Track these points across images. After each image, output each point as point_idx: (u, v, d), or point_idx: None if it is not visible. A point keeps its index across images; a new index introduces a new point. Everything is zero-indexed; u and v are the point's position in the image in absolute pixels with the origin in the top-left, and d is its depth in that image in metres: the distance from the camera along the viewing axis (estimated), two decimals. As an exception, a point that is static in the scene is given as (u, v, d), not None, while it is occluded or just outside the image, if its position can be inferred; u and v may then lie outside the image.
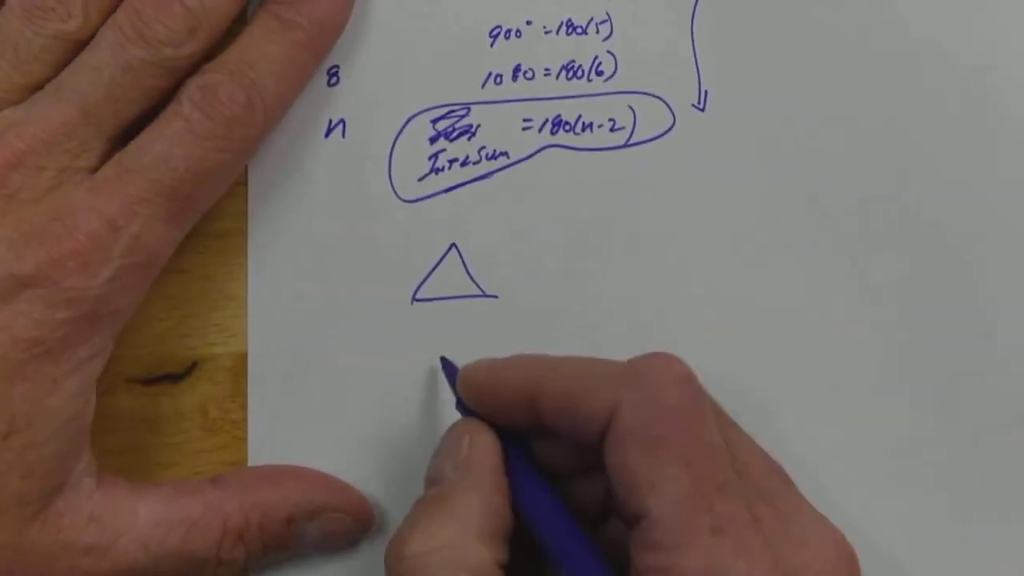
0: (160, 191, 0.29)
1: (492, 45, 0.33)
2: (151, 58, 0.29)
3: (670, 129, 0.34)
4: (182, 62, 0.30)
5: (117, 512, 0.30)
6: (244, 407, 0.33)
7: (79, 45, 0.30)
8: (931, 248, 0.35)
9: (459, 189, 0.34)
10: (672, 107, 0.34)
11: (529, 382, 0.28)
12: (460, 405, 0.31)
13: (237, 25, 0.31)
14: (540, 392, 0.28)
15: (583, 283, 0.34)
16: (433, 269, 0.33)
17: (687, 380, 0.27)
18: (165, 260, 0.30)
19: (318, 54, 0.32)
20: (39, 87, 0.30)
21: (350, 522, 0.33)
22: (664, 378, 0.27)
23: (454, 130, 0.33)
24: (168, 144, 0.29)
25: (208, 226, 0.32)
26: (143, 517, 0.30)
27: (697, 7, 0.34)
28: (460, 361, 0.32)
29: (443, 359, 0.32)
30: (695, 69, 0.34)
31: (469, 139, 0.34)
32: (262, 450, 0.33)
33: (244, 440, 0.33)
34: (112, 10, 0.30)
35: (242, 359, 0.33)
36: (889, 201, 0.34)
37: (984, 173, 0.35)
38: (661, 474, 0.26)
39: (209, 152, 0.29)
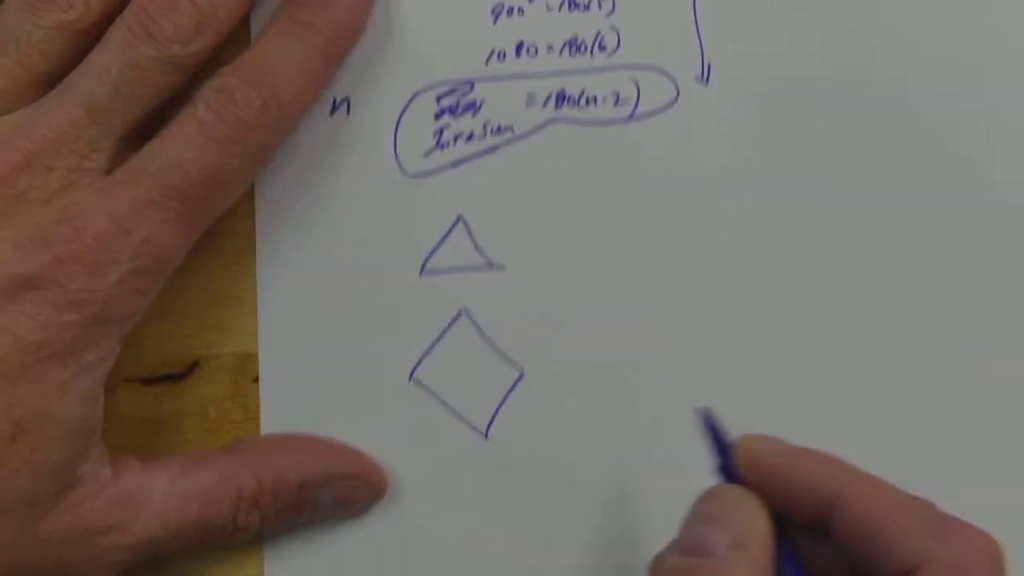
0: (172, 194, 0.29)
1: (495, 22, 0.34)
2: (159, 55, 0.29)
3: (674, 102, 0.34)
4: (190, 59, 0.30)
5: (133, 491, 0.30)
6: (244, 407, 0.33)
7: (81, 35, 0.30)
8: (937, 242, 0.34)
9: (465, 164, 0.34)
10: (676, 80, 0.34)
11: (829, 486, 0.26)
12: (725, 471, 0.28)
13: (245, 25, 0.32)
14: (840, 503, 0.26)
15: (588, 255, 0.34)
16: (441, 241, 0.34)
17: (1000, 567, 0.25)
18: (176, 264, 0.30)
19: (335, 59, 0.32)
20: (43, 81, 0.30)
21: (364, 488, 0.33)
22: (980, 564, 0.25)
23: (458, 106, 0.34)
24: (181, 147, 0.29)
25: (211, 226, 0.32)
26: (158, 492, 0.30)
27: (698, -20, 0.34)
28: (470, 335, 0.32)
29: (705, 414, 0.29)
30: (698, 42, 0.34)
31: (473, 115, 0.34)
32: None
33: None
34: (114, 1, 0.30)
35: (242, 359, 0.33)
36: (891, 178, 0.34)
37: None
38: None
39: (223, 156, 0.29)
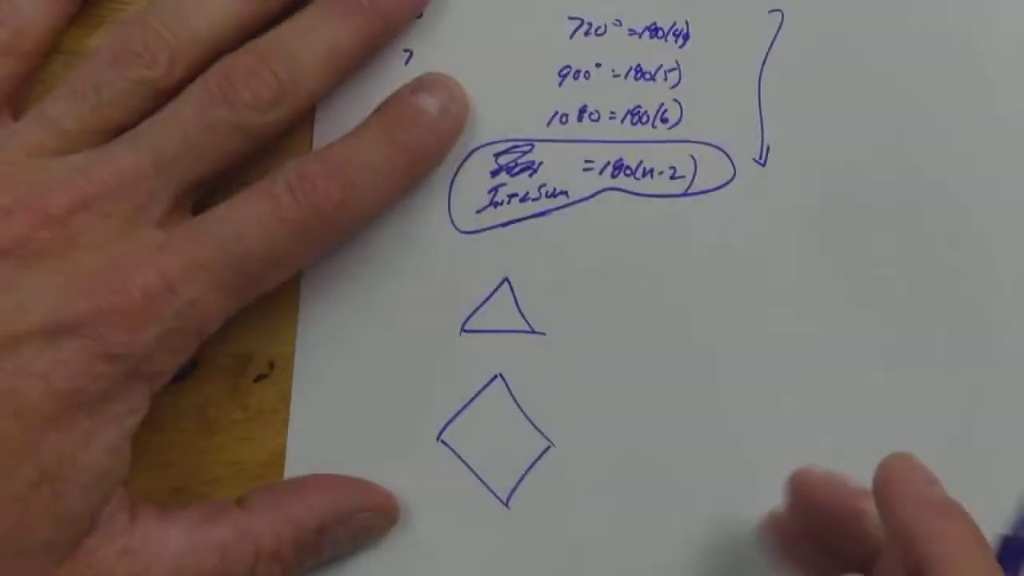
0: (227, 263, 0.28)
1: (560, 84, 0.34)
2: (233, 120, 0.29)
3: (730, 181, 0.34)
4: (263, 129, 0.30)
5: (148, 541, 0.29)
6: (244, 407, 0.33)
7: (160, 94, 0.30)
8: (999, 325, 0.34)
9: (516, 224, 0.33)
10: (733, 159, 0.34)
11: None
12: None
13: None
14: None
15: (630, 330, 0.33)
16: (484, 301, 0.33)
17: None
18: (214, 330, 0.29)
19: (415, 178, 0.32)
20: (114, 132, 0.30)
21: (379, 519, 0.32)
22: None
23: (516, 165, 0.33)
24: (248, 220, 0.29)
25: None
26: (174, 544, 0.30)
27: (766, 63, 0.34)
28: (504, 400, 0.32)
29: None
30: (759, 123, 0.34)
31: (531, 175, 0.33)
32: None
33: (244, 440, 0.33)
34: (198, 63, 0.30)
35: (242, 359, 0.33)
36: (949, 264, 0.34)
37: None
38: None
39: (287, 240, 0.29)
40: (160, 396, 0.31)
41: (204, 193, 0.31)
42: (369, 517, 0.32)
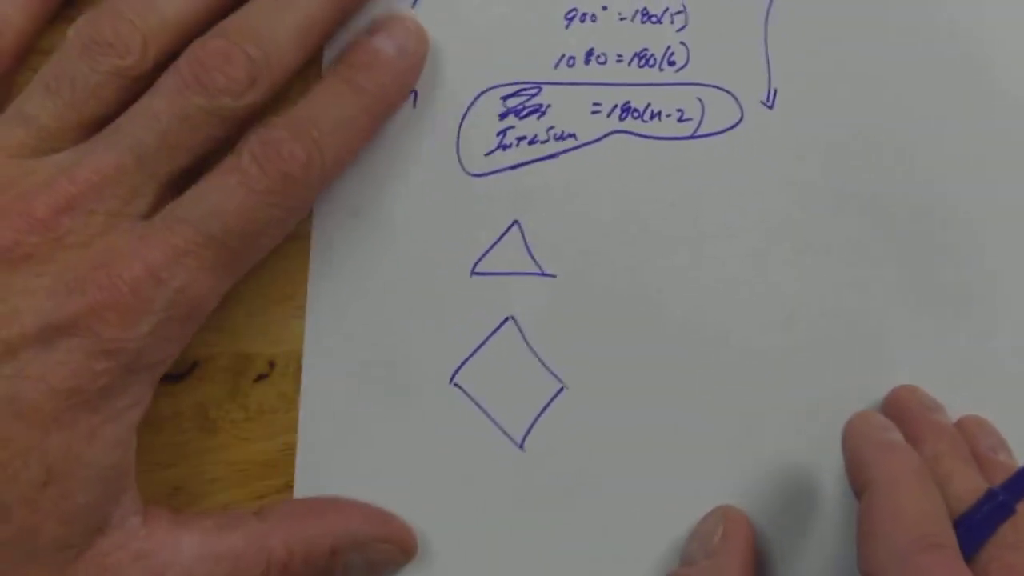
0: (209, 244, 0.28)
1: (567, 27, 0.34)
2: (209, 107, 0.29)
3: (737, 123, 0.34)
4: (239, 112, 0.29)
5: (162, 547, 0.30)
6: (244, 407, 0.33)
7: (135, 82, 0.30)
8: (999, 252, 0.34)
9: (525, 167, 0.33)
10: (741, 102, 0.34)
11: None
12: None
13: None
14: None
15: (640, 270, 0.33)
16: (494, 244, 0.33)
17: (923, 478, 0.28)
18: (208, 311, 0.30)
19: (378, 121, 0.32)
20: (93, 124, 0.30)
21: (395, 551, 0.32)
22: (905, 474, 0.28)
23: (524, 108, 0.33)
24: (222, 197, 0.29)
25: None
26: (187, 551, 0.30)
27: (772, 5, 0.34)
28: (515, 342, 0.32)
29: None
30: (766, 66, 0.34)
31: (538, 118, 0.33)
32: (313, 432, 0.33)
33: (244, 440, 0.33)
34: (169, 48, 0.30)
35: (242, 359, 0.33)
36: (951, 200, 0.34)
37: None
38: None
39: (263, 209, 0.29)
40: (160, 396, 0.31)
41: (186, 181, 0.30)
42: (385, 549, 0.32)
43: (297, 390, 0.33)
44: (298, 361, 0.33)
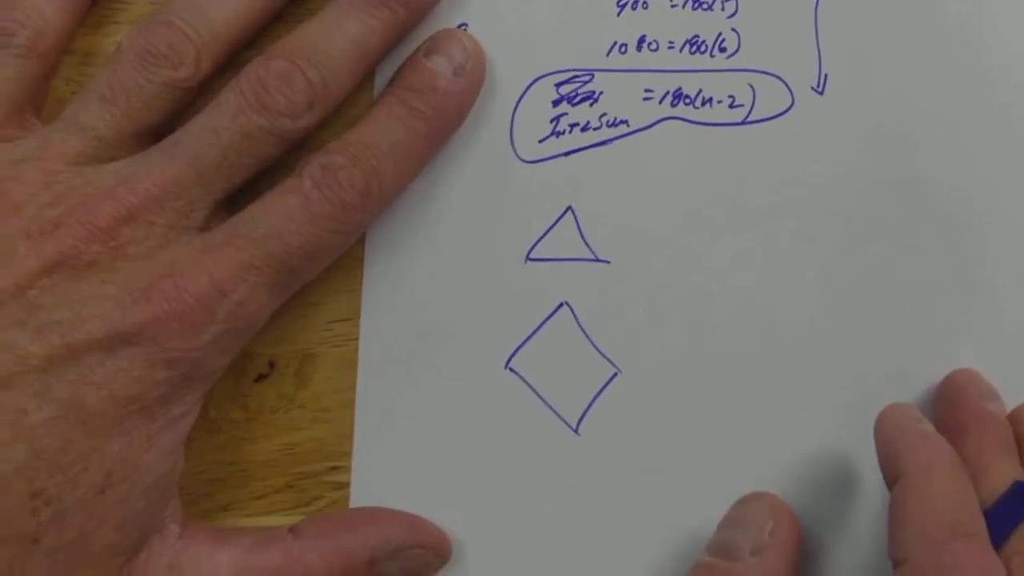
0: (270, 262, 0.29)
1: (619, 14, 0.34)
2: (269, 127, 0.30)
3: (788, 109, 0.34)
4: (296, 134, 0.30)
5: (197, 561, 0.30)
6: (244, 407, 0.33)
7: (189, 93, 0.30)
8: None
9: (578, 153, 0.34)
10: (791, 88, 0.34)
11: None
12: None
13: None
14: None
15: (692, 254, 0.34)
16: (548, 230, 0.33)
17: (957, 470, 0.28)
18: (259, 327, 0.30)
19: (437, 145, 0.32)
20: (147, 135, 0.30)
21: (430, 556, 0.32)
22: (940, 464, 0.28)
23: (577, 95, 0.34)
24: (284, 218, 0.29)
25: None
26: (223, 567, 0.30)
27: (822, -10, 0.34)
28: (570, 327, 0.33)
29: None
30: (816, 52, 0.34)
31: (591, 105, 0.34)
32: (369, 421, 0.33)
33: (244, 440, 0.33)
34: (220, 59, 0.31)
35: (242, 359, 0.33)
36: (1001, 195, 0.34)
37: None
38: None
39: (322, 232, 0.30)
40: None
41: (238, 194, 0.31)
42: (421, 554, 0.32)
43: (297, 390, 0.33)
44: (298, 361, 0.33)
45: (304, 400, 0.33)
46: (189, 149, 0.29)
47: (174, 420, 0.29)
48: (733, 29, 0.34)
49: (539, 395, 0.33)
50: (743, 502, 0.32)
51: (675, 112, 0.34)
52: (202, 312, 0.28)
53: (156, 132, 0.31)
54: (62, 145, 0.30)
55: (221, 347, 0.29)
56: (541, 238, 0.33)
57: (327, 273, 0.32)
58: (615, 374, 0.33)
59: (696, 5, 0.34)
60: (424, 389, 0.33)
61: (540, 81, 0.34)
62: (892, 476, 0.29)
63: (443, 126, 0.32)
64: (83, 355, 0.28)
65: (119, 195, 0.29)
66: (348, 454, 0.33)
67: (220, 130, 0.29)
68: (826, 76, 0.34)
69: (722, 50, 0.34)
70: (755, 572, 0.30)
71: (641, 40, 0.34)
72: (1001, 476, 0.29)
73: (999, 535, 0.28)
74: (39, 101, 0.32)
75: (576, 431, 0.33)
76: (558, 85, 0.34)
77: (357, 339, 0.33)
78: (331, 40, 0.30)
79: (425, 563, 0.32)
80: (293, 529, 0.32)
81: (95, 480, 0.28)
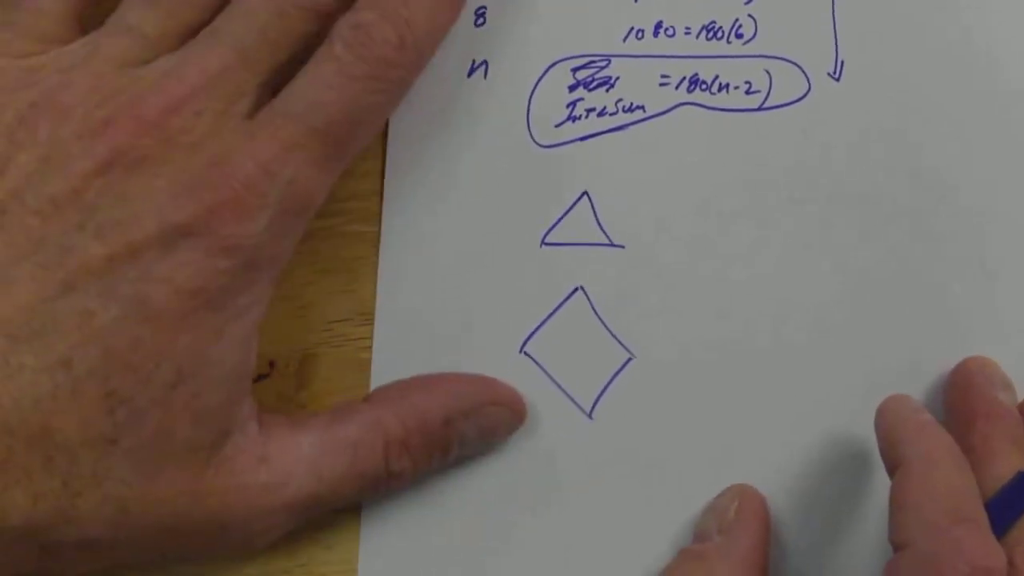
0: (314, 136, 0.29)
1: (636, 0, 0.34)
2: (303, 3, 0.30)
3: (805, 95, 0.34)
4: (331, 6, 0.30)
5: (283, 448, 0.30)
6: None
7: None
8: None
9: (595, 139, 0.34)
10: (808, 74, 0.34)
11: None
12: None
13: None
14: None
15: (708, 241, 0.34)
16: (564, 215, 0.33)
17: (959, 459, 0.28)
18: (318, 204, 0.30)
19: None
20: (191, 33, 0.30)
21: (506, 413, 0.32)
22: (943, 455, 0.28)
23: (593, 80, 0.34)
24: (321, 87, 0.29)
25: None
26: (307, 448, 0.30)
27: (840, -24, 0.34)
28: (584, 312, 0.33)
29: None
30: (833, 38, 0.34)
31: (607, 90, 0.34)
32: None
33: None
34: None
35: None
36: (1018, 191, 0.34)
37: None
38: None
39: (362, 94, 0.29)
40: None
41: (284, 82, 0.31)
42: (496, 412, 0.32)
43: (297, 390, 0.33)
44: (298, 361, 0.33)
45: (304, 400, 0.34)
46: (229, 34, 0.29)
47: (241, 311, 0.29)
48: (750, 15, 0.34)
49: (553, 379, 0.34)
50: (719, 494, 0.33)
51: (691, 98, 0.34)
52: (251, 196, 0.28)
53: (199, 30, 0.30)
54: (109, 48, 0.30)
55: (279, 230, 0.29)
56: (557, 223, 0.34)
57: (327, 273, 0.32)
58: (629, 359, 0.34)
59: (713, -9, 0.34)
60: (438, 370, 0.33)
61: (557, 66, 0.34)
62: (892, 465, 0.29)
63: None
64: (143, 252, 0.28)
65: (165, 87, 0.29)
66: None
67: (256, 11, 0.29)
68: (842, 62, 0.34)
69: (739, 36, 0.34)
70: (721, 549, 0.31)
71: (658, 26, 0.34)
72: (1006, 466, 0.29)
73: (1002, 524, 0.28)
74: (86, 16, 0.32)
75: (590, 416, 0.33)
76: (575, 70, 0.34)
77: (357, 339, 0.34)
78: None
79: (500, 421, 0.32)
80: (368, 398, 0.32)
81: (167, 377, 0.28)
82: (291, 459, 0.30)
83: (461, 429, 0.32)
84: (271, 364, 0.33)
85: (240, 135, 0.29)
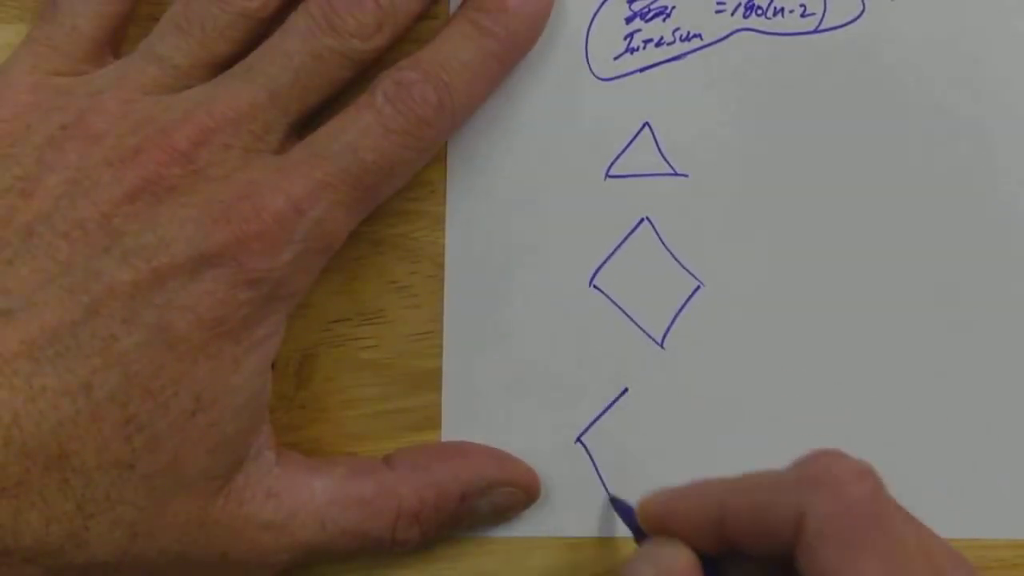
0: (346, 179, 0.29)
1: (688, -73, 0.34)
2: (340, 48, 0.30)
3: (859, 16, 0.34)
4: (367, 55, 0.30)
5: (294, 488, 0.30)
6: None
7: (260, 23, 0.31)
8: None
9: (653, 69, 0.34)
10: (862, -5, 0.34)
11: (711, 507, 0.28)
12: (639, 538, 0.30)
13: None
14: (724, 514, 0.27)
15: (771, 166, 0.34)
16: (627, 146, 0.34)
17: (867, 475, 0.26)
18: (339, 246, 0.30)
19: (508, 66, 0.32)
20: (221, 65, 0.31)
21: (520, 495, 0.33)
22: (845, 475, 0.26)
23: (649, 11, 0.34)
24: (358, 134, 0.29)
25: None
26: (319, 494, 0.31)
27: None
28: (652, 243, 0.32)
29: (613, 498, 0.32)
30: (887, -44, 0.34)
31: (664, 20, 0.34)
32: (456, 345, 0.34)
33: None
34: None
35: None
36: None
37: None
38: (858, 572, 0.25)
39: (397, 148, 0.30)
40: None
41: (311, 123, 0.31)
42: (511, 493, 0.33)
43: (297, 390, 0.34)
44: (298, 361, 0.34)
45: (304, 400, 0.34)
46: (262, 72, 0.30)
47: (259, 342, 0.29)
48: (802, -63, 0.34)
49: (624, 311, 0.34)
50: (649, 543, 0.29)
51: (747, 24, 0.34)
52: (280, 231, 0.29)
53: (230, 62, 0.31)
54: (139, 75, 0.30)
55: (302, 266, 0.29)
56: (620, 155, 0.34)
57: (327, 273, 0.32)
58: (698, 287, 0.34)
59: (764, -85, 0.34)
60: (509, 310, 0.34)
61: (612, -1, 0.34)
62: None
63: (515, 45, 0.32)
64: (168, 279, 0.28)
65: (196, 119, 0.29)
66: (347, 454, 0.33)
67: (292, 53, 0.30)
68: (896, -19, 0.34)
69: (792, -41, 0.34)
70: None
71: (711, -48, 0.34)
72: None
73: None
74: (118, 40, 0.32)
75: (662, 345, 0.34)
76: (630, 2, 0.34)
77: (357, 339, 0.34)
78: None
79: (515, 501, 0.33)
80: (387, 459, 0.32)
81: (185, 404, 0.28)
82: (299, 501, 0.30)
83: (475, 506, 0.32)
84: (271, 364, 0.33)
85: (271, 171, 0.29)
